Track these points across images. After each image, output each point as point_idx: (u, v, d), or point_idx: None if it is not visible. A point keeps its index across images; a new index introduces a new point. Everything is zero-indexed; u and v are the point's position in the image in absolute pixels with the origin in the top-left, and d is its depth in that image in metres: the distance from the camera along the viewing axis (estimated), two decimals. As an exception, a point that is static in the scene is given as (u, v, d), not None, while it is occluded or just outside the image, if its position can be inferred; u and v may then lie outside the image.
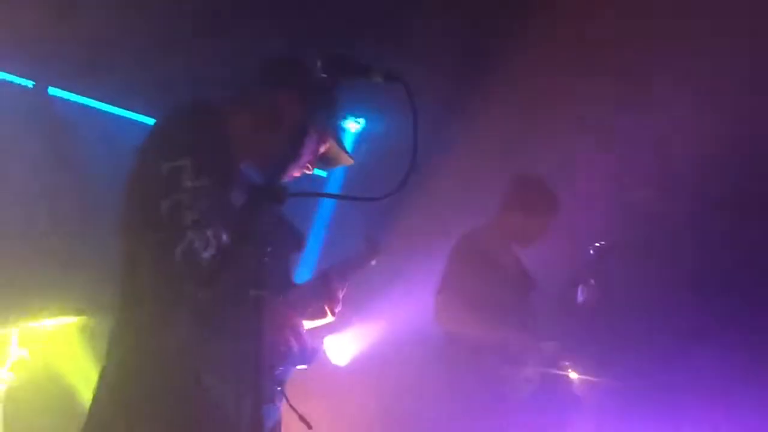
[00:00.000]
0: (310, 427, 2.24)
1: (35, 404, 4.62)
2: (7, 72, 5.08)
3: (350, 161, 2.52)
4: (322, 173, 6.61)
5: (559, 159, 5.01)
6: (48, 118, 5.23)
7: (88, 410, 2.19)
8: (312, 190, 2.34)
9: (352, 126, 6.30)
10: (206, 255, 1.97)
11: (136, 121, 5.43)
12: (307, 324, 2.54)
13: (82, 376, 4.72)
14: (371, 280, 3.17)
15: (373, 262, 2.86)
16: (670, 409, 5.31)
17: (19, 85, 5.15)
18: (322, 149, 2.41)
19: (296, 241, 2.50)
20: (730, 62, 4.53)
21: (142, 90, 4.78)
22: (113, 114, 5.45)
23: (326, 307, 2.53)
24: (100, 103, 5.48)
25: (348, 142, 6.26)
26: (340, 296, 2.56)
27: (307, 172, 2.42)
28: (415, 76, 1.93)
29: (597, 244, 4.24)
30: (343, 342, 5.92)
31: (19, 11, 4.41)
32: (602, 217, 5.17)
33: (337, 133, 2.42)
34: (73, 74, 5.20)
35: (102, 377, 2.20)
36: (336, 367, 5.92)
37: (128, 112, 5.43)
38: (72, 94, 5.38)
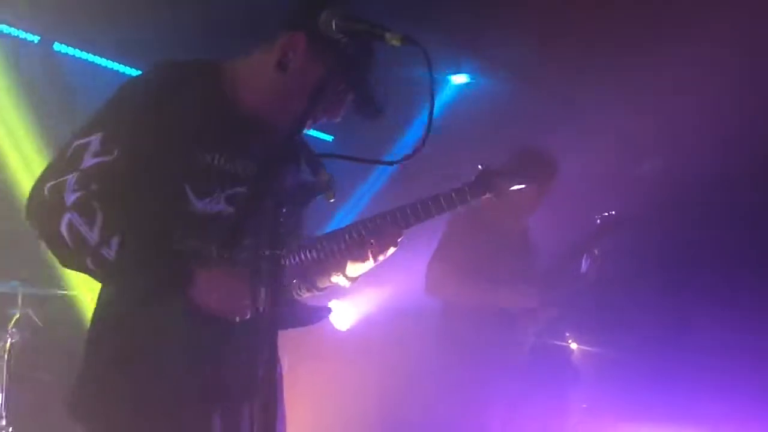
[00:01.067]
0: None
1: (38, 361, 4.63)
2: (13, 26, 5.02)
3: (378, 115, 2.17)
4: (328, 137, 6.56)
5: (570, 130, 4.99)
6: (53, 74, 5.18)
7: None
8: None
9: (457, 79, 6.14)
10: (93, 232, 1.99)
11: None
12: (351, 268, 2.33)
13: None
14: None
15: (487, 195, 2.51)
16: (669, 381, 5.35)
17: (24, 39, 5.10)
18: (342, 98, 2.21)
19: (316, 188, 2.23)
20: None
21: (151, 47, 4.71)
22: (120, 71, 5.39)
23: (369, 252, 2.26)
24: (107, 60, 5.42)
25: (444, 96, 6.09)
26: (392, 241, 2.28)
27: (333, 119, 2.25)
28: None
29: (604, 214, 4.22)
30: (345, 307, 5.94)
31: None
32: (610, 188, 5.15)
33: (360, 85, 2.15)
34: (79, 30, 5.13)
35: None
36: (337, 331, 5.95)
37: (137, 69, 5.36)
38: (78, 50, 5.32)
